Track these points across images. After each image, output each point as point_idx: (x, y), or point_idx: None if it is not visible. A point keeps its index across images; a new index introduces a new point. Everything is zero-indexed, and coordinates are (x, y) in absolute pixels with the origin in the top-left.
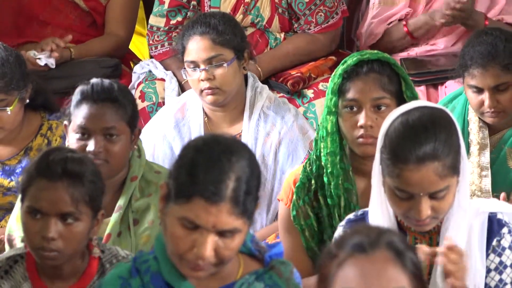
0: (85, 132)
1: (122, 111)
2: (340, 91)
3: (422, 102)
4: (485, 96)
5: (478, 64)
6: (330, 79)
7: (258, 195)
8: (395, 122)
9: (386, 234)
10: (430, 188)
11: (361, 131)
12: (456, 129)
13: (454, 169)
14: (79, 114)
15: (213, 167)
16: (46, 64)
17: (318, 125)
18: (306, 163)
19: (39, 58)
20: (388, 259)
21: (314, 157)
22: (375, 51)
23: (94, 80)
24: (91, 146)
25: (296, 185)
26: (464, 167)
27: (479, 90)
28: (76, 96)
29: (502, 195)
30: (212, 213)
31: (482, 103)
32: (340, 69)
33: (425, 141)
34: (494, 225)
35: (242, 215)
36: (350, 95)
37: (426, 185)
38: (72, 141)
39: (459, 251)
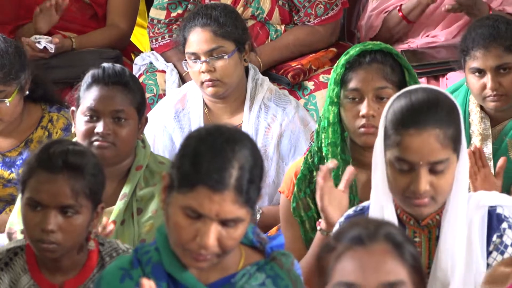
0: (94, 115)
1: (132, 96)
2: (342, 82)
3: (425, 85)
4: (487, 79)
5: (480, 45)
6: (332, 70)
7: (261, 185)
8: (398, 97)
9: (384, 227)
10: (430, 156)
11: (363, 121)
12: (459, 111)
13: (455, 144)
14: (89, 96)
15: (217, 156)
16: (45, 48)
17: (320, 117)
18: (307, 154)
19: (38, 42)
20: (386, 252)
21: (316, 148)
22: (378, 42)
23: (105, 64)
24: (99, 127)
25: (298, 177)
26: (464, 155)
27: (481, 73)
28: (86, 79)
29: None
30: (215, 202)
31: (484, 87)
32: (343, 59)
33: (428, 109)
34: (493, 220)
35: (245, 204)
36: (353, 84)
37: (426, 152)
38: (79, 124)
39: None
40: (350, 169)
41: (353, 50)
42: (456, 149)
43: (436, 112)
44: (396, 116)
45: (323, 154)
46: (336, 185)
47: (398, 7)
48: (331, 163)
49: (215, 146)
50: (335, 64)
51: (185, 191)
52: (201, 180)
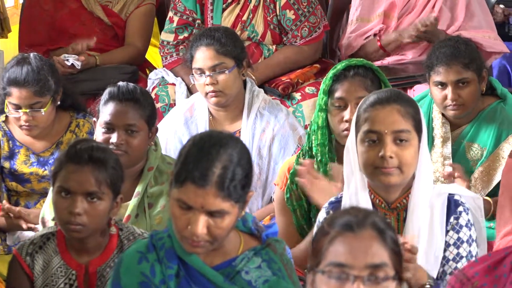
0: (110, 127)
1: (142, 110)
2: (330, 92)
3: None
4: (448, 91)
5: (443, 62)
6: (322, 82)
7: (248, 183)
8: (368, 95)
9: (371, 215)
10: (394, 125)
11: (346, 125)
12: (417, 104)
13: (416, 122)
14: (106, 110)
15: (203, 157)
16: (72, 65)
17: (311, 122)
18: (299, 153)
19: (67, 60)
20: (372, 237)
21: (307, 148)
22: (361, 59)
23: (120, 83)
24: (114, 138)
25: (291, 172)
26: (425, 146)
27: (443, 86)
28: (104, 96)
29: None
30: (199, 195)
31: (445, 98)
32: (331, 73)
33: (391, 94)
34: (452, 205)
35: (227, 198)
36: (338, 94)
37: (390, 122)
38: (98, 134)
39: (415, 250)
40: (332, 165)
41: (340, 65)
42: (417, 129)
43: (398, 97)
44: (365, 102)
45: (313, 153)
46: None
47: (378, 38)
48: (307, 161)
49: (203, 148)
50: (325, 77)
51: (178, 186)
52: (188, 177)
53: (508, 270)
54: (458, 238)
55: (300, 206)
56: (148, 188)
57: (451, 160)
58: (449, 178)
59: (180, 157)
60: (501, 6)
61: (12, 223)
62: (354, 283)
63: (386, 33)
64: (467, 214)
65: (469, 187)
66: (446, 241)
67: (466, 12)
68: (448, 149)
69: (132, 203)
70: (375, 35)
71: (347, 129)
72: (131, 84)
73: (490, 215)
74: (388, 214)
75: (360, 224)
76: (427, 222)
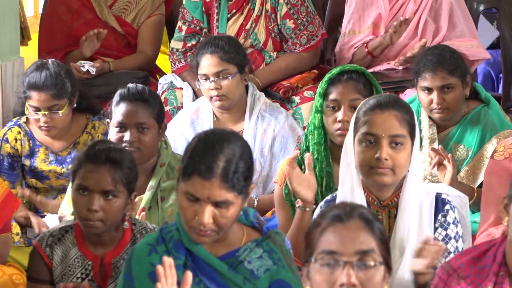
0: (122, 126)
1: (151, 109)
2: (325, 94)
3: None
4: (434, 95)
5: (429, 69)
6: (318, 85)
7: (250, 175)
8: (367, 99)
9: (358, 208)
10: (390, 130)
11: (339, 125)
12: (413, 111)
13: (410, 128)
14: (118, 111)
15: (208, 151)
16: (88, 71)
17: (309, 122)
18: (298, 152)
19: (83, 66)
20: (360, 227)
21: (304, 147)
22: (354, 65)
23: (130, 85)
24: (127, 136)
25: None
26: (417, 150)
27: (429, 91)
28: (116, 98)
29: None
30: (206, 187)
31: (431, 102)
32: (326, 77)
33: (389, 100)
34: (439, 203)
35: (231, 189)
36: (332, 96)
37: (387, 126)
38: (112, 134)
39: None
40: (307, 156)
41: (334, 70)
42: (411, 134)
43: (396, 103)
44: (365, 105)
45: (310, 151)
46: (322, 177)
47: (365, 44)
48: (294, 153)
49: (208, 143)
50: (321, 81)
51: (185, 180)
52: (195, 171)
53: (491, 261)
54: (446, 235)
55: None
56: (160, 183)
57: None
58: (440, 166)
59: (186, 153)
60: None
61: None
62: (344, 269)
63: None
64: (454, 212)
65: (455, 169)
66: (435, 238)
67: (449, 22)
68: None
69: (146, 196)
70: (363, 44)
71: (340, 129)
72: (139, 86)
73: (473, 205)
74: (380, 211)
75: (349, 215)
76: (417, 219)
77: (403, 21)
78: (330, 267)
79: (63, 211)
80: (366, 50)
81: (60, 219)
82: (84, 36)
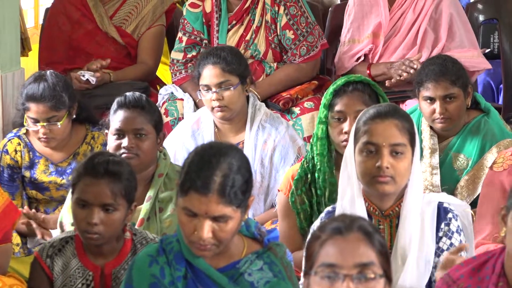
0: (120, 133)
1: (149, 116)
2: (330, 105)
3: None
4: (436, 105)
5: (431, 78)
6: (323, 96)
7: (248, 189)
8: (368, 108)
9: (357, 220)
10: (391, 139)
11: (346, 136)
12: (413, 120)
13: (411, 137)
14: (115, 119)
15: (204, 166)
16: (88, 80)
17: (313, 133)
18: (303, 161)
19: (83, 76)
20: (359, 239)
21: (310, 156)
22: (359, 75)
23: (127, 93)
24: (125, 143)
25: (295, 178)
26: (417, 160)
27: (432, 100)
28: (113, 106)
29: None
30: (203, 203)
31: (433, 112)
32: (331, 88)
33: (389, 109)
34: (441, 212)
35: (229, 203)
36: (338, 107)
37: (388, 135)
38: (111, 141)
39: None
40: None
41: (339, 81)
42: (411, 143)
43: (396, 112)
44: (365, 115)
45: (315, 161)
46: (325, 188)
47: (368, 66)
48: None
49: (204, 158)
50: (325, 92)
51: (183, 195)
52: (192, 186)
53: (490, 272)
54: (451, 244)
55: (304, 209)
56: (159, 193)
57: (438, 170)
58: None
59: (183, 168)
60: None
61: (32, 229)
62: (344, 282)
63: (375, 53)
64: (456, 220)
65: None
66: (439, 247)
67: (448, 32)
68: (436, 160)
69: (145, 207)
70: (365, 55)
71: (346, 140)
72: (137, 93)
73: None
74: (382, 221)
75: (348, 227)
76: (418, 228)
77: (413, 67)
78: (330, 280)
79: (63, 219)
80: (368, 72)
81: (61, 227)
82: (86, 66)
